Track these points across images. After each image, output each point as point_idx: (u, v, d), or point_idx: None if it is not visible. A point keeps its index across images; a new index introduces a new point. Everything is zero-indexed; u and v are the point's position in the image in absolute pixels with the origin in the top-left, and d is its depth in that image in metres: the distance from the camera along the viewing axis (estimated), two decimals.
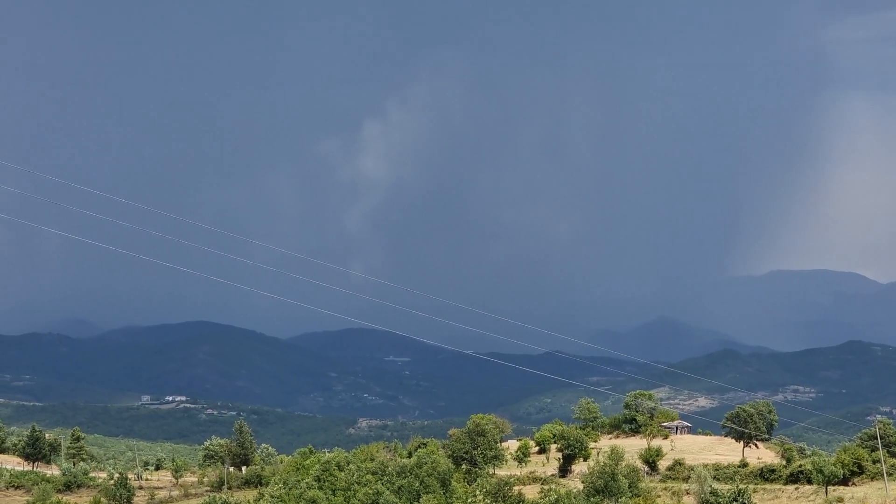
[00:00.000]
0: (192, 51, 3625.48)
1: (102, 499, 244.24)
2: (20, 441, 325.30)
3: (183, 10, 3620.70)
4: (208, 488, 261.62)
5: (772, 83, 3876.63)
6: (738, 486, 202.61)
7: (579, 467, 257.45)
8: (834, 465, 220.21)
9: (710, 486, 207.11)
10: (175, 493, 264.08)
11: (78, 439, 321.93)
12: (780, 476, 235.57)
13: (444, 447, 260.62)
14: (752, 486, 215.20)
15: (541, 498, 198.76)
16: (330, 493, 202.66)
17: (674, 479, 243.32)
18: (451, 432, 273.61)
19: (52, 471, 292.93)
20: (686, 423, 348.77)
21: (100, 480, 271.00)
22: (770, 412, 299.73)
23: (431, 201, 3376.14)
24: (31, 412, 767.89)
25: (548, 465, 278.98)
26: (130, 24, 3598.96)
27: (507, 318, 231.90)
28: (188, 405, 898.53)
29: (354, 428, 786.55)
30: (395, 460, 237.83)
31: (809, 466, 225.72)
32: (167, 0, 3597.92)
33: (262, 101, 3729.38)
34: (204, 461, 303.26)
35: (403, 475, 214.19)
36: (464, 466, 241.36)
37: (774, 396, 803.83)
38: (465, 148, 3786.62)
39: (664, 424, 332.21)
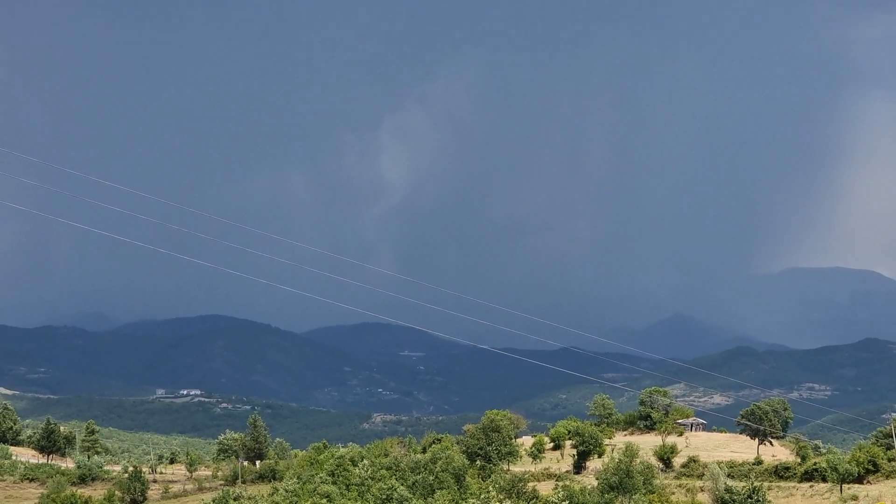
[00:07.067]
0: (213, 48, 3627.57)
1: (117, 492, 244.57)
2: (35, 434, 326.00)
3: (203, 7, 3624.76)
4: (222, 482, 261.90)
5: (791, 81, 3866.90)
6: (752, 484, 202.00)
7: (594, 464, 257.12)
8: (849, 463, 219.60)
9: (725, 484, 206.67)
10: (189, 486, 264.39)
11: (92, 432, 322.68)
12: (794, 474, 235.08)
13: (458, 443, 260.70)
14: (766, 484, 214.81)
15: (555, 494, 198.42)
16: (344, 488, 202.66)
17: (688, 477, 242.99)
18: (465, 428, 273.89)
19: (67, 464, 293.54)
20: (701, 420, 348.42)
21: (114, 473, 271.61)
22: (785, 410, 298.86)
23: (449, 200, 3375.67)
24: (46, 405, 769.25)
25: (562, 461, 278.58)
26: (150, 20, 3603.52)
27: (522, 312, 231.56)
28: (203, 399, 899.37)
29: (369, 423, 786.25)
30: (410, 456, 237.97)
31: (824, 464, 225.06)
32: None
33: (282, 98, 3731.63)
34: (218, 455, 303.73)
35: (417, 471, 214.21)
36: (478, 462, 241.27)
37: (790, 394, 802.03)
38: (484, 147, 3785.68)
39: (679, 421, 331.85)
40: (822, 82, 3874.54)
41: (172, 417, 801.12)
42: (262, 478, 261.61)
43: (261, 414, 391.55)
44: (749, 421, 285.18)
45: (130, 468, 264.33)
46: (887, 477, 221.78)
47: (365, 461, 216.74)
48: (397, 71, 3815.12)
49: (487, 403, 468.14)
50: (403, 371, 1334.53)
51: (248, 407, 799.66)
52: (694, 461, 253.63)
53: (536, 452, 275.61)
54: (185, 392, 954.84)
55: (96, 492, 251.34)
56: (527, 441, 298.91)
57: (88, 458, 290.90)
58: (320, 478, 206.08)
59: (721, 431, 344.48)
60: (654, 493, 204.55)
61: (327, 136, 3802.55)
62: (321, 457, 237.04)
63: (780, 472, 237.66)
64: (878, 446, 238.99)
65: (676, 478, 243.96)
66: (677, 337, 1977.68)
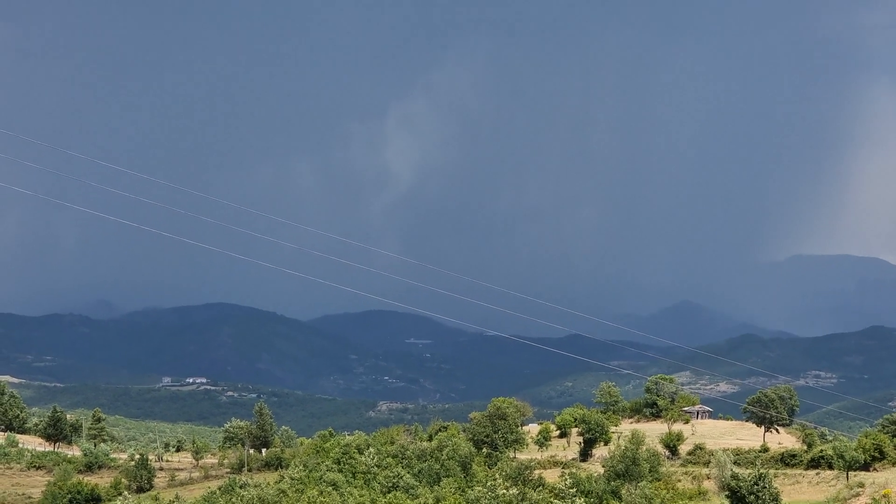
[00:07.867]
0: (220, 37, 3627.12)
1: (123, 479, 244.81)
2: (41, 422, 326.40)
3: None
4: (228, 470, 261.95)
5: (797, 69, 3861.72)
6: (758, 471, 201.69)
7: (600, 451, 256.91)
8: (855, 450, 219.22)
9: (731, 471, 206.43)
10: (195, 474, 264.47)
11: (99, 420, 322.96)
12: (801, 461, 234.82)
13: (464, 431, 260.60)
14: (772, 471, 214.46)
15: (561, 482, 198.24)
16: (350, 476, 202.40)
17: (694, 464, 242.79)
18: (471, 416, 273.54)
19: (74, 451, 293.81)
20: (707, 408, 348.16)
21: (120, 461, 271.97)
22: (791, 397, 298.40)
23: (455, 189, 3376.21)
24: (53, 393, 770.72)
25: (568, 449, 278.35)
26: (158, 8, 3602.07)
27: (529, 296, 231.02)
28: (209, 387, 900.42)
29: (374, 411, 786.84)
30: (416, 444, 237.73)
31: (830, 451, 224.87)
32: None
33: (288, 87, 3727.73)
34: (224, 443, 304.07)
35: (424, 458, 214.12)
36: (484, 450, 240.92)
37: (796, 381, 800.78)
38: (490, 136, 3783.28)
39: (685, 409, 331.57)
40: (829, 70, 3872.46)
41: (178, 405, 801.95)
42: (268, 465, 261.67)
43: (266, 402, 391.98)
44: (755, 408, 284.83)
45: (137, 456, 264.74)
46: (894, 464, 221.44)
47: (371, 449, 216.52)
48: (403, 60, 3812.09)
49: (494, 391, 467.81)
50: (409, 359, 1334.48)
51: (253, 395, 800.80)
52: (700, 449, 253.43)
53: (543, 440, 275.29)
54: (190, 380, 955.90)
55: (103, 479, 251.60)
56: (533, 429, 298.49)
57: (95, 445, 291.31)
58: (326, 466, 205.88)
59: (727, 419, 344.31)
60: (660, 480, 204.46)
61: (333, 126, 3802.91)
62: (327, 445, 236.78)
63: (787, 460, 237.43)
64: (885, 433, 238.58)
65: (682, 465, 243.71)
66: (683, 324, 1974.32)
